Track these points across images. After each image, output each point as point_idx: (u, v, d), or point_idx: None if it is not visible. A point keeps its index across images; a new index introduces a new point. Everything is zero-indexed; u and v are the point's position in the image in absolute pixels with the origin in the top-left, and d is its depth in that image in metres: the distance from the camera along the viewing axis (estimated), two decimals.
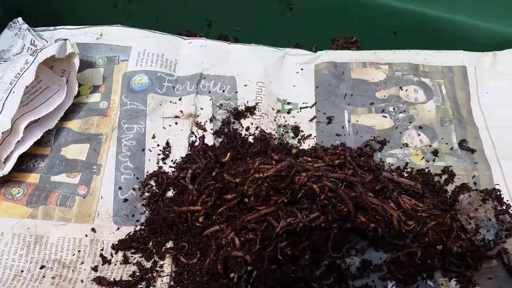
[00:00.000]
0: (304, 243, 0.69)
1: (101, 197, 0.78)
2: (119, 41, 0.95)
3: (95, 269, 0.72)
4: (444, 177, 0.83)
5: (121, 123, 0.85)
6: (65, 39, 0.84)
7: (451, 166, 0.84)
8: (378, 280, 0.69)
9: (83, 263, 0.72)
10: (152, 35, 0.97)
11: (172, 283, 0.71)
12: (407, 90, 0.95)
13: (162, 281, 0.71)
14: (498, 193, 0.78)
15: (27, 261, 0.71)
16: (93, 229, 0.75)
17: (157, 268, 0.72)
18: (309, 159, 0.79)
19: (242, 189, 0.72)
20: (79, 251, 0.73)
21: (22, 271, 0.70)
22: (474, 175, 0.83)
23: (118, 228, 0.76)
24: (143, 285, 0.70)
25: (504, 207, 0.75)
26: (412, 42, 1.02)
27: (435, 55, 0.99)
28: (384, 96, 0.94)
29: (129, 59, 0.93)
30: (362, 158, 0.84)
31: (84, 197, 0.78)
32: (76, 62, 0.87)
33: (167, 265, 0.72)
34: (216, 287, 0.68)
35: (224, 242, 0.70)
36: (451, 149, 0.87)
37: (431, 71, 0.97)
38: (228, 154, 0.81)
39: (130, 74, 0.91)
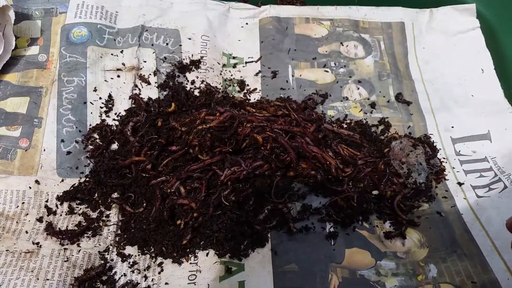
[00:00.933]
0: (248, 190, 0.72)
1: (44, 150, 0.77)
2: None
3: (40, 220, 0.71)
4: (380, 127, 0.88)
5: (61, 76, 0.83)
6: None
7: (387, 117, 0.89)
8: (317, 222, 0.74)
9: (27, 214, 0.72)
10: None
11: (119, 231, 0.72)
12: (347, 45, 0.98)
13: (108, 230, 0.72)
14: (429, 139, 0.84)
15: None
16: (36, 181, 0.74)
17: (103, 218, 0.73)
18: (253, 110, 0.81)
19: (187, 139, 0.74)
20: (23, 203, 0.72)
21: None
22: (409, 126, 0.89)
23: (62, 180, 0.76)
24: (89, 234, 0.71)
25: (433, 153, 0.80)
26: None
27: (375, 11, 1.02)
28: (326, 51, 0.97)
29: (68, 11, 0.90)
30: (306, 110, 0.87)
31: (26, 150, 0.76)
32: (11, 15, 0.83)
33: (114, 215, 0.73)
34: (163, 233, 0.70)
35: (169, 191, 0.72)
36: (388, 101, 0.92)
37: (370, 27, 1.01)
38: (173, 104, 0.81)
39: (69, 26, 0.88)
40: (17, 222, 0.71)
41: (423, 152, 0.78)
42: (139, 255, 0.70)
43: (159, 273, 0.68)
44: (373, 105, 0.91)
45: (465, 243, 0.71)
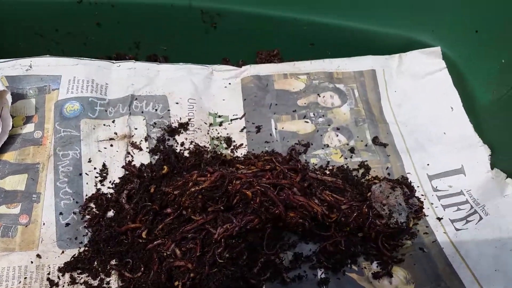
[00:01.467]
0: (241, 245, 0.76)
1: (43, 224, 0.81)
2: (48, 71, 0.98)
3: None
4: (361, 171, 0.93)
5: (57, 151, 0.88)
6: None
7: (366, 160, 0.94)
8: (309, 269, 0.77)
9: None
10: (81, 62, 1.00)
11: None
12: (324, 96, 1.05)
13: None
14: (406, 180, 0.89)
15: None
16: (38, 255, 0.77)
17: (104, 285, 0.76)
18: (242, 166, 0.86)
19: (180, 201, 0.78)
20: (25, 278, 0.75)
21: None
22: (388, 167, 0.94)
23: (62, 252, 0.79)
24: None
25: (411, 192, 0.85)
26: (327, 52, 1.13)
27: (347, 62, 1.10)
28: (305, 103, 1.03)
29: (60, 88, 0.96)
30: (291, 162, 0.92)
31: (26, 226, 0.80)
32: (9, 98, 0.88)
33: (114, 281, 0.76)
34: None
35: (165, 254, 0.76)
36: (366, 145, 0.98)
37: (344, 77, 1.08)
38: (166, 167, 0.86)
39: (62, 102, 0.94)
40: None
41: (401, 193, 0.83)
42: None
43: None
44: (352, 150, 0.96)
45: (447, 276, 0.75)
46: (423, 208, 0.85)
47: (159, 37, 1.16)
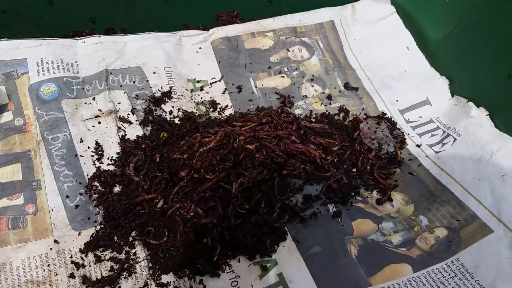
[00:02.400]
0: (258, 195, 0.80)
1: (52, 210, 0.78)
2: (11, 55, 0.91)
3: (71, 276, 0.73)
4: (341, 114, 1.01)
5: (45, 135, 0.84)
6: None
7: (344, 105, 1.02)
8: (321, 206, 0.84)
9: (57, 274, 0.73)
10: (43, 42, 0.95)
11: (150, 264, 0.76)
12: (293, 50, 1.10)
13: (140, 266, 0.76)
14: (385, 115, 0.98)
15: None
16: (55, 241, 0.75)
17: (132, 257, 0.76)
18: (239, 123, 0.89)
19: (192, 163, 0.80)
20: (48, 265, 0.73)
21: None
22: (363, 108, 1.03)
23: (79, 233, 0.77)
24: (125, 275, 0.74)
25: (393, 125, 0.95)
26: (284, 8, 1.17)
27: (307, 15, 1.15)
28: (277, 59, 1.08)
29: (29, 71, 0.90)
30: (282, 114, 0.96)
31: (34, 214, 0.77)
32: None
33: (140, 251, 0.77)
34: (194, 254, 0.76)
35: (188, 216, 0.78)
36: (340, 91, 1.06)
37: (307, 30, 1.14)
38: (165, 133, 0.87)
39: (36, 85, 0.89)
40: (49, 285, 0.72)
41: (386, 126, 0.92)
42: (177, 280, 0.75)
43: None
44: (329, 97, 1.03)
45: (440, 192, 0.86)
46: (405, 138, 0.95)
47: (114, 9, 1.12)
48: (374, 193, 0.88)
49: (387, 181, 0.88)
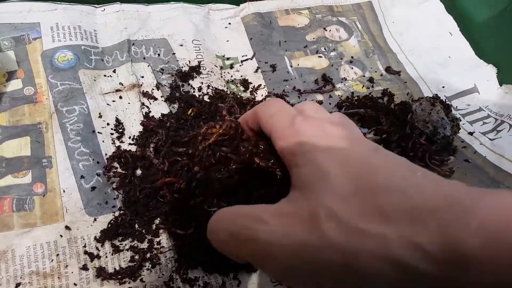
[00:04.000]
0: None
1: (63, 191, 0.67)
2: (22, 18, 0.81)
3: (84, 268, 0.62)
4: (385, 98, 0.91)
5: (59, 107, 0.74)
6: None
7: (388, 88, 0.92)
8: None
9: (67, 266, 0.62)
10: (60, 7, 0.84)
11: (176, 256, 0.65)
12: (330, 30, 1.00)
13: (165, 257, 0.65)
14: (439, 97, 0.88)
15: None
16: (67, 227, 0.65)
17: (155, 246, 0.66)
18: None
19: (197, 162, 0.67)
20: (57, 254, 0.63)
21: None
22: (408, 92, 0.93)
23: (95, 220, 0.67)
24: (148, 266, 0.63)
25: (448, 107, 0.85)
26: None
27: None
28: (313, 38, 0.98)
29: (42, 36, 0.80)
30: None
31: (43, 196, 0.66)
32: None
33: (165, 240, 0.67)
34: None
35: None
36: (381, 75, 0.96)
37: (344, 10, 1.04)
38: (191, 109, 0.76)
39: (50, 52, 0.78)
40: (58, 277, 0.61)
41: (441, 107, 0.82)
42: (206, 275, 0.64)
43: (238, 286, 0.63)
44: (371, 80, 0.94)
45: (503, 178, 0.76)
46: (460, 120, 0.86)
47: None
48: None
49: (441, 168, 0.78)
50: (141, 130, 0.77)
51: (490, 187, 0.76)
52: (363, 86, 0.92)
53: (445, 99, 0.92)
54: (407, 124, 0.80)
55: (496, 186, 0.76)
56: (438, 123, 0.80)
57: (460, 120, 0.86)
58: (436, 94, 0.89)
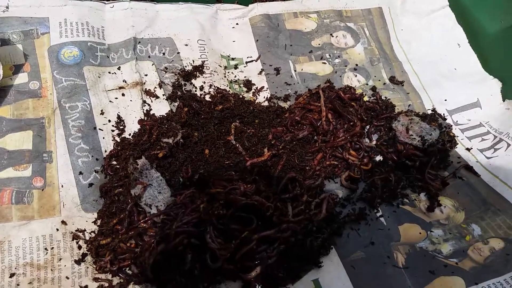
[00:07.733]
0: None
1: (62, 186, 0.69)
2: (32, 13, 0.83)
3: (77, 262, 0.64)
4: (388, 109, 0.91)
5: (62, 103, 0.75)
6: None
7: (389, 99, 0.92)
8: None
9: (61, 259, 0.64)
10: (69, 3, 0.86)
11: None
12: (337, 36, 1.00)
13: None
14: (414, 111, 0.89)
15: None
16: (63, 222, 0.67)
17: None
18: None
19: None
20: (52, 248, 0.65)
21: None
22: (409, 104, 0.93)
23: (91, 215, 0.69)
24: None
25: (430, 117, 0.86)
26: None
27: None
28: (319, 44, 0.98)
29: (51, 31, 0.82)
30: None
31: (42, 190, 0.68)
32: None
33: None
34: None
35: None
36: (384, 84, 0.96)
37: (353, 15, 1.04)
38: (185, 109, 0.78)
39: (57, 47, 0.80)
40: (51, 269, 0.63)
41: (420, 119, 0.83)
42: None
43: None
44: (374, 89, 0.94)
45: (495, 200, 0.77)
46: (451, 125, 0.87)
47: None
48: (422, 196, 0.78)
49: (436, 183, 0.79)
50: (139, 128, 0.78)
51: (480, 208, 0.76)
52: (365, 95, 0.92)
53: (446, 113, 0.91)
54: (396, 143, 0.81)
55: (486, 208, 0.76)
56: (423, 132, 0.81)
57: (451, 127, 0.86)
58: (434, 109, 0.89)
